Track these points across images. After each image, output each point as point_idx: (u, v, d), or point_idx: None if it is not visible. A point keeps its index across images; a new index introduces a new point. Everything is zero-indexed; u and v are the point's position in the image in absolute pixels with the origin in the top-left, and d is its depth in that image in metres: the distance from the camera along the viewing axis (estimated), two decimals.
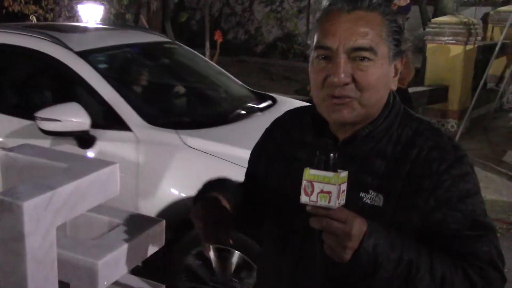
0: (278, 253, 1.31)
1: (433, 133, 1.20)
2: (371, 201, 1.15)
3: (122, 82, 3.43)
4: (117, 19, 7.61)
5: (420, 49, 7.96)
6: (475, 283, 1.09)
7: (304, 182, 0.99)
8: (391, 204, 1.14)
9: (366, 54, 1.13)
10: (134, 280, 1.79)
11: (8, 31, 3.51)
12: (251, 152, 1.45)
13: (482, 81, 6.54)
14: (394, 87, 1.22)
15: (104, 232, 1.70)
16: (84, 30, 4.10)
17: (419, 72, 7.18)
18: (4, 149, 1.50)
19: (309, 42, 1.23)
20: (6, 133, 3.12)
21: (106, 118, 2.95)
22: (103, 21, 6.80)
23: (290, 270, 1.27)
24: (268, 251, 1.37)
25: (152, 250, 1.69)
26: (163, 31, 12.13)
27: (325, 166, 0.99)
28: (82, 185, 1.36)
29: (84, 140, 2.87)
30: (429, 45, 6.87)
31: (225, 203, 1.25)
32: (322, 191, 0.98)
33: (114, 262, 1.52)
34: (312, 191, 0.98)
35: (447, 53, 6.71)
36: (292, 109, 1.43)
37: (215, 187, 1.32)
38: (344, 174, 1.00)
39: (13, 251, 1.23)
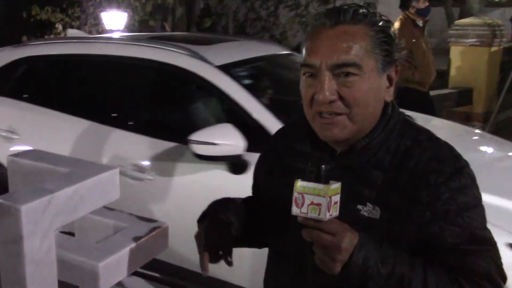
0: (278, 264, 1.32)
1: (432, 143, 1.19)
2: (368, 214, 1.13)
3: (269, 98, 3.12)
4: (141, 26, 7.74)
5: (447, 51, 7.86)
6: None
7: (295, 194, 1.00)
8: (387, 217, 1.12)
9: (350, 69, 1.12)
10: (139, 282, 1.82)
11: (139, 44, 3.26)
12: (255, 165, 1.46)
13: (508, 84, 6.42)
14: (388, 98, 1.18)
15: (109, 235, 1.74)
16: (215, 41, 3.58)
17: (445, 74, 7.09)
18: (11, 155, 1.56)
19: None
20: (142, 155, 2.86)
21: (258, 140, 2.55)
22: (127, 28, 6.93)
23: (290, 281, 1.28)
24: (270, 263, 1.38)
25: (155, 253, 1.72)
26: None
27: (316, 178, 0.99)
28: (81, 189, 1.40)
29: (237, 165, 2.65)
30: (452, 47, 6.79)
31: (227, 223, 1.28)
32: (312, 203, 0.98)
33: (116, 265, 1.56)
34: (303, 203, 0.99)
35: (471, 55, 6.62)
36: (292, 120, 1.43)
37: (219, 208, 1.35)
38: (335, 186, 0.99)
39: (12, 253, 1.28)
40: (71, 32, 5.24)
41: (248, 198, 1.49)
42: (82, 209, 1.44)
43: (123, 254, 1.58)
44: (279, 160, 1.33)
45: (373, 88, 1.14)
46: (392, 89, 1.19)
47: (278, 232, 1.29)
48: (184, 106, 3.20)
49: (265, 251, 1.44)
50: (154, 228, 1.72)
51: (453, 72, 6.85)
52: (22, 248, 1.27)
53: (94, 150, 2.98)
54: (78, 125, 3.14)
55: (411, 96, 4.91)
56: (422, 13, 4.93)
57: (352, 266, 1.02)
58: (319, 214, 0.98)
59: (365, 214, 1.14)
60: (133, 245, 1.61)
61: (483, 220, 1.14)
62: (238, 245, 1.37)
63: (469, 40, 6.56)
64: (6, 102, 3.45)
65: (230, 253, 1.25)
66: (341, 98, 1.13)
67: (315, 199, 0.98)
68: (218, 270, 2.66)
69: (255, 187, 1.46)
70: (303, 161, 1.22)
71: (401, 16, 4.97)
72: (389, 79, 1.18)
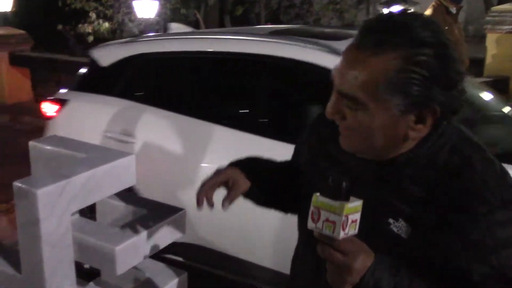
0: (306, 246, 1.29)
1: (486, 166, 1.05)
2: (397, 230, 1.06)
3: None
4: (173, 14, 7.80)
5: (484, 39, 7.65)
6: None
7: (312, 208, 0.95)
8: (417, 237, 1.04)
9: (349, 103, 1.02)
10: (157, 266, 1.87)
11: (263, 39, 2.91)
12: (296, 145, 1.39)
13: None
14: (415, 134, 1.03)
15: (129, 219, 1.79)
16: (343, 35, 3.04)
17: (482, 62, 6.90)
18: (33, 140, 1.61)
19: None
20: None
21: None
22: (159, 16, 6.99)
23: (316, 264, 1.24)
24: (299, 244, 1.35)
25: (172, 238, 1.76)
26: (221, 25, 12.28)
27: (335, 194, 0.94)
28: (96, 175, 1.44)
29: None
30: (489, 35, 6.59)
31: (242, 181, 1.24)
32: (327, 220, 0.94)
33: (133, 248, 1.60)
34: (319, 218, 0.95)
35: (508, 43, 6.41)
36: None
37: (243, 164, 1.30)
38: (354, 204, 0.94)
39: (30, 234, 1.33)
40: (174, 26, 5.08)
41: (286, 163, 1.43)
42: (98, 194, 1.48)
43: (140, 238, 1.62)
44: (324, 144, 1.23)
45: (382, 126, 1.02)
46: (422, 127, 1.02)
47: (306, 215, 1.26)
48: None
49: (291, 234, 1.42)
50: (172, 214, 1.76)
51: (489, 59, 6.64)
52: (39, 230, 1.32)
53: (218, 154, 2.73)
54: (201, 128, 2.85)
55: None
56: (455, 0, 4.80)
57: None
58: (333, 232, 0.93)
59: (394, 229, 1.06)
60: (151, 229, 1.65)
61: None
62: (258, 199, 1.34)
63: (506, 27, 6.34)
64: (118, 103, 3.11)
65: (231, 198, 1.22)
66: (344, 119, 1.04)
67: (330, 216, 0.93)
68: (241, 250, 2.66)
69: (294, 159, 1.39)
70: (344, 155, 1.14)
71: (433, 3, 4.85)
72: (420, 117, 1.01)
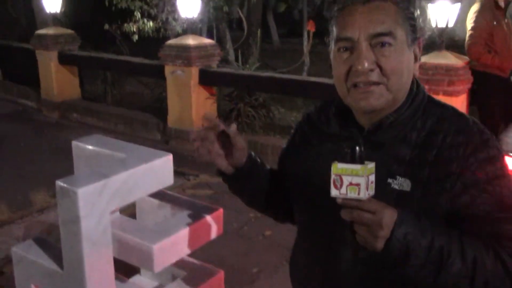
0: (310, 241, 1.37)
1: (458, 118, 1.21)
2: (399, 187, 1.17)
3: None
4: (216, 12, 7.86)
5: None
6: (507, 264, 1.10)
7: (332, 176, 1.02)
8: (418, 189, 1.15)
9: (386, 39, 1.16)
10: (194, 264, 1.89)
11: None
12: (284, 147, 1.52)
13: None
14: (416, 72, 1.24)
15: (167, 218, 1.82)
16: None
17: None
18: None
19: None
20: None
21: None
22: (202, 15, 7.06)
23: (322, 256, 1.32)
24: (300, 240, 1.42)
25: (209, 237, 1.78)
26: (264, 22, 12.31)
27: (352, 159, 1.02)
28: (135, 174, 1.48)
29: None
30: None
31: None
32: (351, 184, 1.00)
33: (170, 247, 1.63)
34: (341, 184, 1.01)
35: None
36: (320, 103, 1.47)
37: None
38: (371, 165, 1.02)
39: (71, 232, 1.38)
40: (191, 38, 5.03)
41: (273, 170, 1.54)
42: (136, 193, 1.52)
43: (178, 236, 1.65)
44: (307, 142, 1.38)
45: (406, 59, 1.19)
46: (417, 65, 1.25)
47: (309, 211, 1.34)
48: None
49: None
50: (209, 212, 1.78)
51: None
52: (80, 228, 1.36)
53: None
54: None
55: (491, 81, 4.67)
56: None
57: (394, 241, 1.04)
58: (358, 194, 1.01)
59: (396, 187, 1.17)
60: (188, 228, 1.67)
61: (511, 189, 1.17)
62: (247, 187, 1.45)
63: None
64: None
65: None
66: (379, 67, 1.17)
67: (353, 179, 1.00)
68: None
69: (279, 165, 1.51)
70: (331, 143, 1.29)
71: None
72: (415, 54, 1.23)
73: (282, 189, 1.43)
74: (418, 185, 1.16)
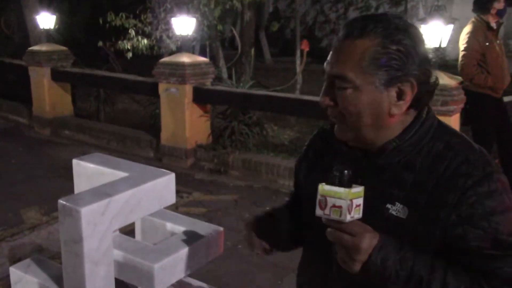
0: (311, 257, 1.40)
1: (465, 147, 1.19)
2: (396, 213, 1.17)
3: None
4: (210, 30, 7.91)
5: None
6: None
7: (318, 197, 1.07)
8: (414, 217, 1.15)
9: (339, 82, 1.16)
10: (194, 284, 1.87)
11: None
12: (296, 162, 1.52)
13: None
14: (396, 111, 1.18)
15: (167, 237, 1.80)
16: None
17: None
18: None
19: None
20: None
21: None
22: (196, 33, 7.10)
23: (320, 273, 1.34)
24: (305, 254, 1.46)
25: (209, 256, 1.76)
26: (257, 41, 12.39)
27: (339, 182, 1.06)
28: (138, 193, 1.46)
29: None
30: None
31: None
32: (334, 206, 1.05)
33: (171, 267, 1.61)
34: (326, 205, 1.06)
35: None
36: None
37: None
38: (356, 189, 1.06)
39: (73, 252, 1.36)
40: (185, 56, 5.08)
41: (289, 202, 1.57)
42: (139, 212, 1.50)
43: (179, 256, 1.63)
44: (320, 157, 1.39)
45: (369, 102, 1.16)
46: (403, 103, 1.17)
47: (313, 226, 1.34)
48: None
49: None
50: (209, 232, 1.77)
51: None
52: (82, 248, 1.34)
53: None
54: None
55: (484, 101, 4.72)
56: (499, 14, 4.73)
57: (371, 266, 1.07)
58: (340, 216, 1.04)
59: (393, 213, 1.17)
60: (189, 248, 1.66)
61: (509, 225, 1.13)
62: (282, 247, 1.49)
63: None
64: None
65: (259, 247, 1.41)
66: (337, 105, 1.19)
67: (336, 201, 1.04)
68: None
69: (296, 183, 1.53)
70: (339, 160, 1.28)
71: (473, 19, 4.78)
72: (400, 92, 1.16)
73: (297, 211, 1.45)
74: (415, 213, 1.15)
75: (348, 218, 1.04)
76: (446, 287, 1.09)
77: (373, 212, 1.13)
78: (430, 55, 1.23)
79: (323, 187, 1.06)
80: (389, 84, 1.15)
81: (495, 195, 1.13)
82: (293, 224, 1.47)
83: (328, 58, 1.21)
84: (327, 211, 1.06)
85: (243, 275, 3.70)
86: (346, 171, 1.06)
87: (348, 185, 1.05)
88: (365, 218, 1.08)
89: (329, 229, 1.08)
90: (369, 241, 1.07)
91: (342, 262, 1.09)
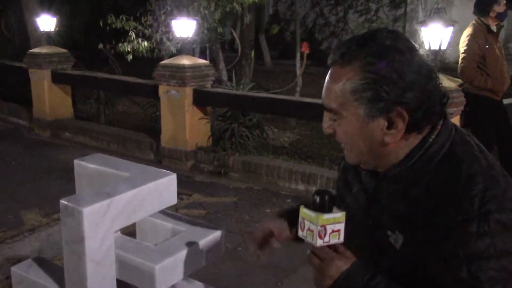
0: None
1: (466, 180, 1.07)
2: (393, 241, 1.16)
3: None
4: (210, 33, 7.91)
5: None
6: None
7: (299, 218, 1.10)
8: (407, 248, 1.13)
9: (331, 114, 1.16)
10: (195, 285, 1.87)
11: None
12: (339, 172, 1.47)
13: None
14: (391, 139, 1.12)
15: (167, 238, 1.81)
16: None
17: None
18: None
19: None
20: None
21: None
22: (196, 35, 7.10)
23: None
24: None
25: (210, 257, 1.77)
26: (257, 43, 12.40)
27: (315, 206, 1.08)
28: (139, 194, 1.47)
29: None
30: None
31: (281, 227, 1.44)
32: (309, 229, 1.08)
33: (172, 267, 1.61)
34: (303, 227, 1.09)
35: None
36: None
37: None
38: (332, 215, 1.07)
39: (74, 252, 1.36)
40: (185, 58, 5.13)
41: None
42: (140, 213, 1.51)
43: (180, 257, 1.64)
44: (355, 173, 1.33)
45: (358, 132, 1.13)
46: (395, 132, 1.11)
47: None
48: None
49: None
50: (210, 233, 1.77)
51: None
52: (84, 248, 1.35)
53: None
54: None
55: (483, 104, 4.73)
56: (499, 17, 4.74)
57: None
58: (312, 239, 1.07)
59: (392, 240, 1.16)
60: (189, 249, 1.66)
61: (497, 275, 1.02)
62: None
63: None
64: None
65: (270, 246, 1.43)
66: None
67: (310, 226, 1.07)
68: None
69: (338, 192, 1.50)
70: (358, 179, 1.31)
71: (474, 22, 4.79)
72: (390, 121, 1.10)
73: None
74: (408, 243, 1.13)
75: (319, 242, 1.06)
76: None
77: (374, 237, 1.18)
78: (427, 74, 1.11)
79: (302, 209, 1.09)
80: (375, 115, 1.10)
81: (485, 238, 1.02)
82: None
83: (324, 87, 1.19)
84: (304, 233, 1.09)
85: (243, 276, 3.69)
86: (327, 196, 1.07)
87: (327, 209, 1.07)
88: (367, 241, 1.15)
89: (308, 250, 1.11)
90: (335, 267, 1.09)
91: (314, 281, 1.13)
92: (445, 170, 1.10)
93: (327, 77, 1.16)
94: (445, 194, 1.07)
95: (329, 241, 1.07)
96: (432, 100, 1.11)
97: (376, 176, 1.22)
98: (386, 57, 1.08)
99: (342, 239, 1.08)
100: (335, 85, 1.13)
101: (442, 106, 1.13)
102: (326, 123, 1.18)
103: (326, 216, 1.06)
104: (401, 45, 1.09)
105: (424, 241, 1.09)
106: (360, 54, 1.09)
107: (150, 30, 7.45)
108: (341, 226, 1.07)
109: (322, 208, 1.06)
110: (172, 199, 1.59)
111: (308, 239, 1.08)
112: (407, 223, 1.13)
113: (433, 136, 1.13)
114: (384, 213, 1.17)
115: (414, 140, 1.14)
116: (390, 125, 1.11)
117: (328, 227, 1.06)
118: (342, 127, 1.15)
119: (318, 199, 1.07)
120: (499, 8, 4.68)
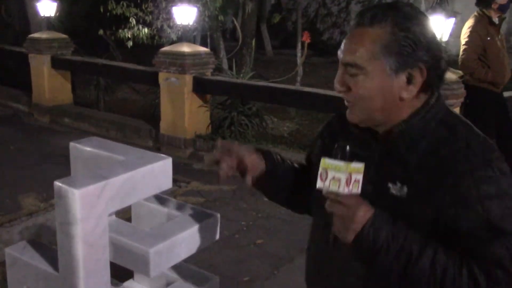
0: (315, 232, 1.46)
1: (468, 134, 1.24)
2: (396, 192, 1.22)
3: None
4: (211, 20, 7.87)
5: None
6: (479, 283, 1.13)
7: (320, 170, 1.14)
8: (412, 197, 1.20)
9: (351, 70, 1.23)
10: (189, 269, 1.87)
11: None
12: (313, 139, 1.59)
13: None
14: (408, 95, 1.24)
15: (163, 222, 1.80)
16: None
17: None
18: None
19: None
20: None
21: None
22: (197, 23, 7.07)
23: (321, 248, 1.39)
24: (311, 230, 1.51)
25: (205, 242, 1.76)
26: (258, 32, 12.34)
27: (341, 157, 1.13)
28: (134, 177, 1.46)
29: None
30: None
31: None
32: (333, 178, 1.12)
33: (166, 251, 1.61)
34: (326, 178, 1.13)
35: None
36: None
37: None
38: (357, 165, 1.12)
39: (68, 234, 1.36)
40: (186, 45, 5.11)
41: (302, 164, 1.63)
42: (135, 196, 1.50)
43: (174, 241, 1.63)
44: (333, 138, 1.41)
45: (380, 86, 1.22)
46: (413, 88, 1.23)
47: (317, 204, 1.39)
48: None
49: None
50: (205, 218, 1.76)
51: None
52: (78, 230, 1.34)
53: None
54: None
55: (484, 96, 4.72)
56: (501, 9, 4.72)
57: (364, 236, 1.14)
58: (338, 188, 1.11)
59: (393, 192, 1.22)
60: (184, 233, 1.66)
61: (506, 212, 1.15)
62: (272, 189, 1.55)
63: None
64: None
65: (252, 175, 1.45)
66: (350, 90, 1.26)
67: (336, 174, 1.11)
68: None
69: (308, 157, 1.59)
70: (352, 141, 1.32)
71: (476, 13, 4.77)
72: (410, 77, 1.22)
73: (304, 184, 1.50)
74: (413, 193, 1.20)
75: (346, 190, 1.11)
76: (435, 264, 1.13)
77: (375, 190, 1.22)
78: (439, 41, 1.27)
79: (325, 161, 1.13)
80: (399, 70, 1.21)
81: (492, 180, 1.16)
82: (293, 184, 1.53)
83: (341, 46, 1.27)
84: (327, 183, 1.12)
85: (240, 264, 3.71)
86: (348, 147, 1.12)
87: (349, 160, 1.12)
88: (366, 196, 1.16)
89: (328, 201, 1.14)
90: (363, 213, 1.14)
91: (338, 232, 1.16)
92: (446, 127, 1.24)
93: (350, 37, 1.24)
94: (451, 146, 1.19)
95: (351, 190, 1.11)
96: (441, 66, 1.25)
97: (369, 135, 1.31)
98: (413, 19, 1.22)
99: (360, 190, 1.13)
100: (363, 42, 1.21)
101: (443, 75, 1.28)
102: (341, 80, 1.25)
103: (353, 165, 1.11)
104: (422, 14, 1.25)
105: (432, 187, 1.18)
106: (390, 15, 1.21)
107: (150, 16, 7.43)
108: (361, 177, 1.12)
109: (344, 158, 1.13)
110: (168, 183, 1.58)
111: (333, 188, 1.11)
112: (413, 173, 1.21)
113: (433, 100, 1.26)
114: (385, 168, 1.24)
115: (418, 102, 1.26)
116: (409, 81, 1.22)
117: (353, 176, 1.11)
118: (363, 83, 1.22)
119: (342, 150, 1.13)
120: (502, 0, 4.66)
